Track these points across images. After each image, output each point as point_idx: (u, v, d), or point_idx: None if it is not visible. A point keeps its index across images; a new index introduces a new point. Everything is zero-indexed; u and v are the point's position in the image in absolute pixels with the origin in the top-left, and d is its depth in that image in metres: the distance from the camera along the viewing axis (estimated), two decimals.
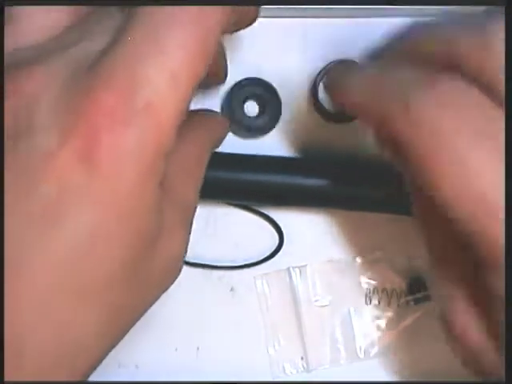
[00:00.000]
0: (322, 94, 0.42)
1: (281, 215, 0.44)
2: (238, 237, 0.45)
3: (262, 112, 0.44)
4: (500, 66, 0.24)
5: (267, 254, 0.44)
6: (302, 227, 0.45)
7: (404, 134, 0.25)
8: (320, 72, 0.42)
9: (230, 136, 0.44)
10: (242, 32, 0.43)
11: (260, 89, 0.43)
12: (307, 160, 0.43)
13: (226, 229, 0.45)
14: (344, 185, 0.41)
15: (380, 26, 0.43)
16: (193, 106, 0.44)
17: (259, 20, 0.43)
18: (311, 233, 0.44)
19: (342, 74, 0.30)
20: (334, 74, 0.32)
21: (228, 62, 0.42)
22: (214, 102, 0.44)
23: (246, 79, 0.43)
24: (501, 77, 0.24)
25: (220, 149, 0.43)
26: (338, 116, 0.43)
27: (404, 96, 0.25)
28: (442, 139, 0.23)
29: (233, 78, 0.43)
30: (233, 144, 0.44)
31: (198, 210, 0.43)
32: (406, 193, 0.33)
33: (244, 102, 0.43)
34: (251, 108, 0.44)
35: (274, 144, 0.44)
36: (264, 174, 0.42)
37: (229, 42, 0.44)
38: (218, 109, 0.44)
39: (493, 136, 0.23)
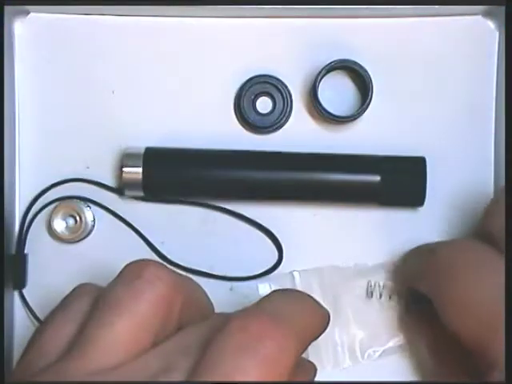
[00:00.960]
0: (321, 93, 0.42)
1: (280, 221, 0.45)
2: (238, 242, 0.45)
3: (273, 108, 0.44)
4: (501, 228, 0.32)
5: (268, 257, 0.44)
6: (303, 231, 0.45)
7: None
8: (320, 72, 0.42)
9: (242, 131, 0.44)
10: (242, 32, 0.44)
11: (272, 86, 0.43)
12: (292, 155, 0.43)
13: (226, 235, 0.45)
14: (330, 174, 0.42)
15: (380, 27, 0.44)
16: (205, 105, 0.44)
17: (258, 20, 0.44)
18: (312, 237, 0.44)
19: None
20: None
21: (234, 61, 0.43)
22: (226, 98, 0.44)
23: (257, 76, 0.44)
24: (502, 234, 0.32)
25: (231, 145, 0.44)
26: (338, 116, 0.43)
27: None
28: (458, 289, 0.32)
29: (243, 74, 0.44)
30: (245, 140, 0.44)
31: (196, 213, 0.44)
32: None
33: (256, 98, 0.44)
34: (263, 104, 0.44)
35: (283, 141, 0.44)
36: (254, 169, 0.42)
37: (229, 41, 0.44)
38: (231, 105, 0.44)
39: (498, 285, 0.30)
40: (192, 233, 0.45)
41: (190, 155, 0.43)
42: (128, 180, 0.42)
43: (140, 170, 0.42)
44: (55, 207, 0.44)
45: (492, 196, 0.44)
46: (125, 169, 0.42)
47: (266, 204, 0.44)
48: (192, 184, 0.43)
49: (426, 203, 0.42)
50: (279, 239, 0.44)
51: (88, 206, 0.44)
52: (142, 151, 0.43)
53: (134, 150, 0.43)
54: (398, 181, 0.42)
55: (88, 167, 0.45)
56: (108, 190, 0.45)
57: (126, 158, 0.43)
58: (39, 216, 0.44)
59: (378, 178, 0.42)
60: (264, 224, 0.44)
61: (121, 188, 0.44)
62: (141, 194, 0.43)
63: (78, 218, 0.44)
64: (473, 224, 0.43)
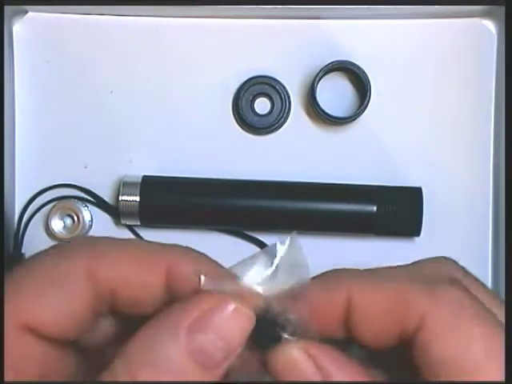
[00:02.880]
0: (320, 94, 0.42)
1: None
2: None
3: (271, 109, 0.44)
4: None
5: None
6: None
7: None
8: (318, 73, 0.42)
9: (241, 132, 0.44)
10: (240, 32, 0.44)
11: (270, 87, 0.44)
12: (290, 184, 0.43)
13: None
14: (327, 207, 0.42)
15: (378, 28, 0.44)
16: (203, 106, 0.44)
17: (257, 21, 0.44)
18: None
19: None
20: None
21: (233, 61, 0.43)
22: (224, 99, 0.44)
23: (256, 77, 0.44)
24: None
25: (229, 145, 0.44)
26: (336, 117, 0.42)
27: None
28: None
29: (242, 75, 0.44)
30: (243, 141, 0.44)
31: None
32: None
33: (254, 99, 0.44)
34: (262, 105, 0.44)
35: (281, 142, 0.44)
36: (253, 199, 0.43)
37: (228, 42, 0.44)
38: (229, 106, 0.44)
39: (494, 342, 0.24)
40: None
41: (186, 184, 0.43)
42: (125, 208, 0.42)
43: (137, 198, 0.42)
44: (53, 207, 0.44)
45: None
46: (122, 197, 0.43)
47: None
48: (188, 213, 0.43)
49: (422, 233, 0.42)
50: None
51: (85, 206, 0.44)
52: (139, 180, 0.43)
53: (131, 179, 0.43)
54: (394, 211, 0.42)
55: (86, 167, 0.45)
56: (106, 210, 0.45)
57: (123, 187, 0.43)
58: (37, 216, 0.45)
59: (374, 208, 0.42)
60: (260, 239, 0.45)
61: (118, 213, 0.44)
62: (137, 222, 0.43)
63: (75, 218, 0.44)
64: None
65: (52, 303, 0.25)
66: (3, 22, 0.42)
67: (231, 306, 0.23)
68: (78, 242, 0.27)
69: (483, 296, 0.26)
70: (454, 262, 0.29)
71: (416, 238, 0.43)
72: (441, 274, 0.28)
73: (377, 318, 0.25)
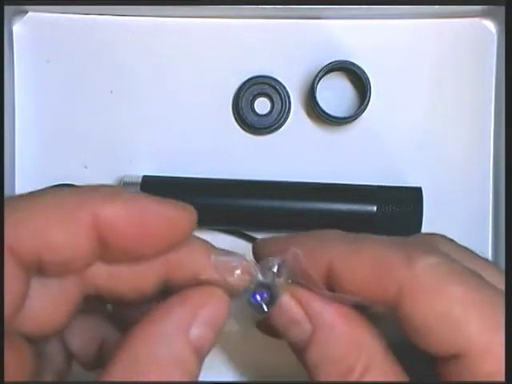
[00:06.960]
0: (320, 94, 0.42)
1: None
2: None
3: (271, 109, 0.44)
4: None
5: None
6: None
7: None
8: (318, 73, 0.42)
9: (241, 132, 0.44)
10: (240, 32, 0.44)
11: (271, 87, 0.44)
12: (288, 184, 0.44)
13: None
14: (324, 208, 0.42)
15: (379, 28, 0.44)
16: (203, 106, 0.44)
17: (257, 21, 0.44)
18: None
19: None
20: None
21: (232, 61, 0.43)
22: (224, 99, 0.44)
23: (256, 77, 0.44)
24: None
25: (229, 145, 0.44)
26: (336, 117, 0.42)
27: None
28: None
29: (242, 75, 0.44)
30: (243, 141, 0.44)
31: None
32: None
33: (254, 99, 0.44)
34: (262, 105, 0.44)
35: (282, 142, 0.44)
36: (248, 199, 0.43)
37: (228, 42, 0.44)
38: (229, 106, 0.44)
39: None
40: None
41: (186, 184, 0.43)
42: None
43: None
44: None
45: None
46: None
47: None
48: None
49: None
50: None
51: None
52: (139, 180, 0.43)
53: (131, 179, 0.43)
54: (394, 211, 0.42)
55: (86, 167, 0.45)
56: None
57: (124, 187, 0.43)
58: None
59: (373, 208, 0.42)
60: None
61: None
62: None
63: None
64: None
65: None
66: (3, 22, 0.42)
67: (218, 296, 0.26)
68: None
69: (478, 265, 0.26)
70: (445, 236, 0.30)
71: None
72: (426, 244, 0.28)
73: (358, 282, 0.26)
